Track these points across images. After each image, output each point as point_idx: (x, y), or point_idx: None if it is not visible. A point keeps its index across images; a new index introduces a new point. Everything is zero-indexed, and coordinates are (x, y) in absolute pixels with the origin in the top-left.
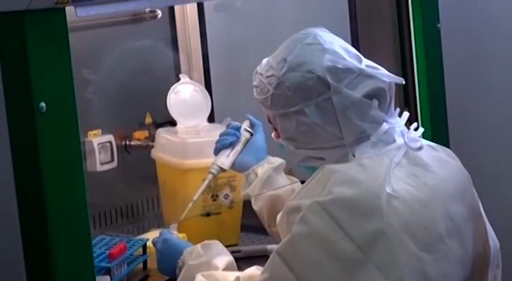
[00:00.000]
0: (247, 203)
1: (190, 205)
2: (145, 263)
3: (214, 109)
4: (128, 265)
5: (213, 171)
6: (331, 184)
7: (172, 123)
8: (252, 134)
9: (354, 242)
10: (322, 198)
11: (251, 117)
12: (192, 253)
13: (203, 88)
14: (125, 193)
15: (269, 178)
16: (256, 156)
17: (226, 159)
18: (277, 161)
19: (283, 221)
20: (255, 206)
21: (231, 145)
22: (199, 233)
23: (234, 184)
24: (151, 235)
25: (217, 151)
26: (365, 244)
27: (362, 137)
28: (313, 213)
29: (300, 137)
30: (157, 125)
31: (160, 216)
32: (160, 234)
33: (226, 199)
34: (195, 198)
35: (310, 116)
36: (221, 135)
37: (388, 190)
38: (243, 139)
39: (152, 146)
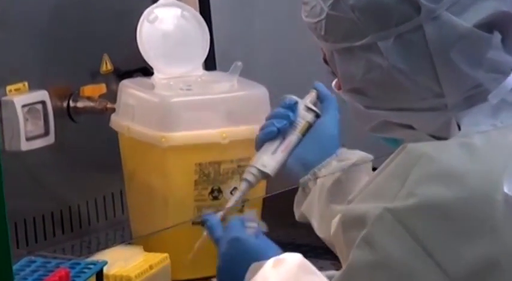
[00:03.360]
0: (269, 201)
1: (203, 235)
2: None
3: (215, 47)
4: None
5: (250, 177)
6: (416, 178)
7: (146, 71)
8: (318, 116)
9: (449, 277)
10: (399, 203)
11: (320, 86)
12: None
13: (196, 13)
14: (67, 189)
15: (338, 185)
16: (322, 150)
17: (271, 158)
18: (356, 156)
19: (339, 235)
20: (301, 217)
21: (281, 134)
22: (186, 252)
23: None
24: (112, 256)
25: (259, 145)
26: (467, 280)
27: (474, 96)
28: (384, 229)
29: (372, 89)
30: (121, 74)
31: (127, 225)
32: (228, 226)
33: (232, 194)
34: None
35: (388, 55)
36: (267, 119)
37: (508, 190)
38: (301, 124)
39: (112, 110)
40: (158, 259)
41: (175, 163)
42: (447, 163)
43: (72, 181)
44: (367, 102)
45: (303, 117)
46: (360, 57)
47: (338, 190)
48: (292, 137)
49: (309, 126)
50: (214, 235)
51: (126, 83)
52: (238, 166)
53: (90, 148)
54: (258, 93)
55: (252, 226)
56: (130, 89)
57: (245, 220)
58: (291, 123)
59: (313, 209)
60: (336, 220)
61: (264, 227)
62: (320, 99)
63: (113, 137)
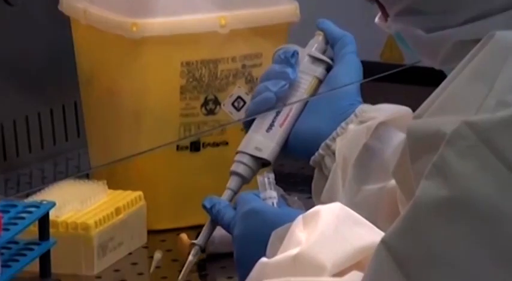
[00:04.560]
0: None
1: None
2: (45, 259)
3: None
4: (6, 263)
5: (240, 169)
6: (508, 80)
7: None
8: (329, 67)
9: None
10: (484, 115)
11: (326, 24)
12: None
13: None
14: None
15: (367, 157)
16: (338, 114)
17: (267, 137)
18: (383, 111)
19: (403, 163)
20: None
21: (280, 102)
22: (180, 190)
23: (255, 75)
24: (62, 196)
25: (249, 120)
26: None
27: None
28: (462, 151)
29: (432, 1)
30: None
31: (84, 152)
32: (239, 201)
33: (238, 109)
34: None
35: None
36: (261, 80)
37: None
38: (307, 83)
39: None
40: (128, 199)
41: (152, 61)
42: None
43: (4, 91)
44: (428, 22)
45: (309, 72)
46: None
47: (368, 163)
48: (295, 104)
49: (318, 83)
50: (224, 219)
51: None
52: (243, 67)
53: (29, 39)
54: None
55: (270, 197)
56: None
57: (261, 191)
58: (292, 84)
59: (336, 196)
60: (400, 145)
61: (282, 193)
62: (330, 42)
63: (63, 26)
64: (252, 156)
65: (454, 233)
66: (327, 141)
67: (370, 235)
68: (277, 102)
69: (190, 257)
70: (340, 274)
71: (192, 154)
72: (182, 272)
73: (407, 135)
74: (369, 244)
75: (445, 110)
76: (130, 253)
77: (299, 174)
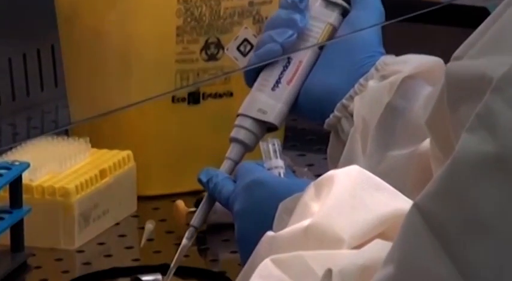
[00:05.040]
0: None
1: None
2: (17, 230)
3: None
4: None
5: (241, 136)
6: None
7: None
8: (345, 11)
9: None
10: None
11: None
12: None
13: None
14: None
15: (391, 117)
16: (355, 68)
17: (272, 96)
18: (408, 63)
19: (439, 112)
20: None
21: (285, 53)
22: (176, 149)
23: (264, 14)
24: (37, 155)
25: (251, 76)
26: None
27: None
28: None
29: None
30: None
31: (63, 104)
32: (240, 172)
33: (244, 54)
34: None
35: None
36: (266, 28)
37: None
38: (319, 30)
39: None
40: (115, 159)
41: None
42: None
43: None
44: None
45: (321, 17)
46: None
47: (392, 125)
48: (305, 56)
49: (333, 31)
50: (223, 193)
51: None
52: (251, 4)
53: None
54: None
55: (276, 166)
56: None
57: (265, 160)
58: (301, 33)
59: (357, 164)
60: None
61: (289, 163)
62: None
63: None
64: (255, 119)
65: (501, 195)
66: (344, 100)
67: (395, 201)
68: (280, 56)
69: (184, 241)
70: (361, 247)
71: (190, 107)
72: (175, 258)
73: (446, 79)
74: (394, 212)
75: (490, 51)
76: (117, 224)
77: (315, 130)
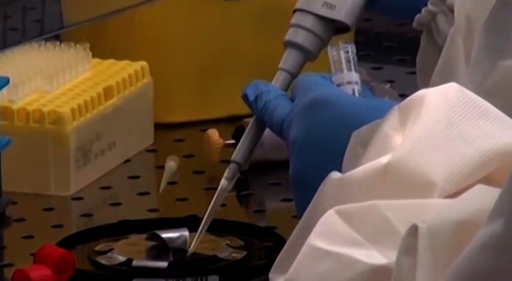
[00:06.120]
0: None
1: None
2: None
3: None
4: None
5: (299, 39)
6: None
7: None
8: None
9: None
10: None
11: None
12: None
13: None
14: None
15: (503, 11)
16: None
17: None
18: None
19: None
20: None
21: None
22: (206, 60)
23: None
24: (21, 68)
25: None
26: None
27: None
28: None
29: None
30: None
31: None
32: (300, 87)
33: None
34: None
35: None
36: None
37: None
38: None
39: None
40: (125, 73)
41: None
42: None
43: None
44: None
45: None
46: None
47: (507, 23)
48: None
49: None
50: (275, 116)
51: None
52: None
53: None
54: None
55: (350, 81)
56: None
57: (334, 72)
58: None
59: (456, 78)
60: None
61: (366, 78)
62: None
63: None
64: (319, 17)
65: None
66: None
67: (507, 133)
68: None
69: (223, 182)
70: (457, 195)
71: (227, 1)
72: (210, 208)
73: None
74: (505, 148)
75: None
76: (127, 160)
77: (396, 34)
